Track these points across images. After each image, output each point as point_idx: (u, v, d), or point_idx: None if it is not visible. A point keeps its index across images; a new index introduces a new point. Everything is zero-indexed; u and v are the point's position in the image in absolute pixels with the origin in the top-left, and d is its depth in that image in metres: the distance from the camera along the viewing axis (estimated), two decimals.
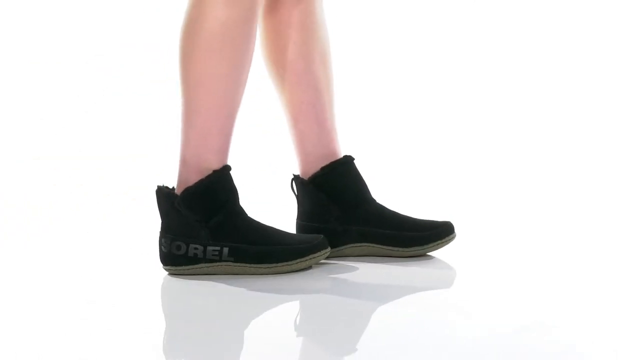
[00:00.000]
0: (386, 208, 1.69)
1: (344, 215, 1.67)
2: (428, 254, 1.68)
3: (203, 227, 1.56)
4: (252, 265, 1.56)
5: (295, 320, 1.35)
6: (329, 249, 1.59)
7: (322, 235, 1.60)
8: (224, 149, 1.58)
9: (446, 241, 1.67)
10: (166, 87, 3.14)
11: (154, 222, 2.14)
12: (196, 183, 1.56)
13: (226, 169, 1.57)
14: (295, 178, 1.69)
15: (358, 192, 1.68)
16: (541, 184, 2.56)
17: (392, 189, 2.21)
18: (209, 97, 1.57)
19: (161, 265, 1.58)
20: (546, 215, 2.15)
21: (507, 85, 3.17)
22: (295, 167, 1.71)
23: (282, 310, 1.42)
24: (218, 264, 1.56)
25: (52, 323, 1.33)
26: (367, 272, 1.59)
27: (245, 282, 1.55)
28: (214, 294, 1.50)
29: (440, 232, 1.67)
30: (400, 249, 1.66)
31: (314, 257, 1.57)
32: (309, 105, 1.67)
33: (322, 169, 1.67)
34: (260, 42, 1.68)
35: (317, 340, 1.27)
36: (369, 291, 1.50)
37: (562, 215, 2.15)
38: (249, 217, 1.58)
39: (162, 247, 1.58)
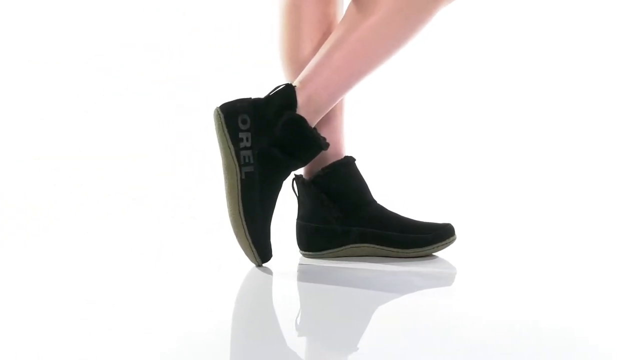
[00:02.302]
0: (387, 209, 1.69)
1: (344, 216, 1.67)
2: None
3: (271, 137, 1.57)
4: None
5: (296, 320, 1.35)
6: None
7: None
8: (335, 98, 1.60)
9: (447, 243, 1.67)
10: (166, 87, 3.15)
11: (154, 222, 2.14)
12: (302, 118, 1.57)
13: (324, 143, 1.59)
14: (297, 178, 1.69)
15: (359, 193, 1.68)
16: (541, 186, 2.56)
17: (393, 190, 2.21)
18: (362, 47, 1.58)
19: (217, 107, 1.59)
20: (547, 216, 2.15)
21: (506, 88, 3.17)
22: None
23: (283, 310, 1.42)
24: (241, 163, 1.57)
25: (52, 323, 1.33)
26: (367, 271, 1.59)
27: (245, 282, 1.55)
28: (214, 293, 1.50)
29: (441, 234, 1.67)
30: (401, 250, 1.66)
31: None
32: None
33: (323, 169, 1.66)
34: (279, 38, 1.69)
35: (319, 340, 1.27)
36: (370, 290, 1.49)
37: (563, 216, 2.14)
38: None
39: (238, 103, 1.59)
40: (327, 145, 1.60)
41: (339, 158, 1.68)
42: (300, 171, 1.70)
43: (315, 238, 1.67)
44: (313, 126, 1.60)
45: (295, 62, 1.66)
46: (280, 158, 1.57)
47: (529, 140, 3.02)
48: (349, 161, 1.68)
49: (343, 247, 1.67)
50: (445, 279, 1.58)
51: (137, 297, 1.48)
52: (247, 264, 1.61)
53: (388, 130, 3.11)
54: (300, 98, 1.58)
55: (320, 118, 1.62)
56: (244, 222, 1.57)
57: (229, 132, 1.58)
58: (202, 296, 1.48)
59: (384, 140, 3.06)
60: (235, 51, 3.18)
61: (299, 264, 1.66)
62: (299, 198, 1.69)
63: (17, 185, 2.61)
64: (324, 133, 1.66)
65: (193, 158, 2.85)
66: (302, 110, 1.58)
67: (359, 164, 1.69)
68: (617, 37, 3.18)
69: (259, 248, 1.58)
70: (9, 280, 1.61)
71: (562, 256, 1.74)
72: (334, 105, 1.62)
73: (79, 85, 3.16)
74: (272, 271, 1.60)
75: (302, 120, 1.57)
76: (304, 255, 1.70)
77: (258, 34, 3.05)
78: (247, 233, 1.57)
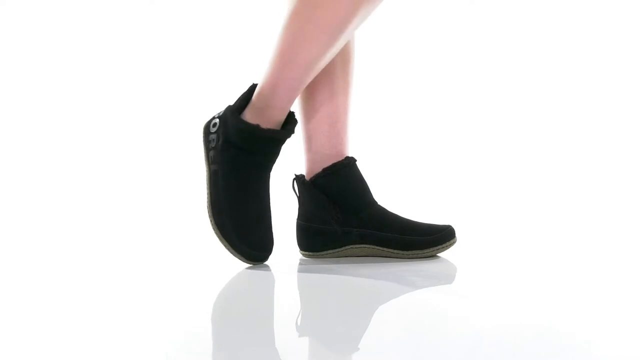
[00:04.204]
0: (387, 210, 1.68)
1: (344, 217, 1.67)
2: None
3: (236, 145, 1.60)
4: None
5: (297, 321, 1.35)
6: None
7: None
8: (292, 95, 1.59)
9: (447, 246, 1.67)
10: (166, 87, 3.15)
11: (153, 222, 2.15)
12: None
13: (268, 131, 1.59)
14: (297, 178, 1.69)
15: (360, 194, 1.68)
16: (541, 187, 2.56)
17: (394, 192, 2.21)
18: (300, 33, 1.55)
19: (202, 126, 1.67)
20: (547, 217, 2.15)
21: (507, 90, 3.17)
22: (297, 167, 1.71)
23: (283, 310, 1.42)
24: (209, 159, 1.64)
25: (53, 323, 1.33)
26: (367, 271, 1.59)
27: (246, 282, 1.55)
28: (214, 293, 1.50)
29: (441, 237, 1.67)
30: (400, 252, 1.66)
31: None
32: (321, 104, 1.67)
33: (324, 170, 1.66)
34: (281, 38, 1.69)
35: (319, 340, 1.27)
36: (370, 290, 1.50)
37: (563, 217, 2.15)
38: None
39: (215, 118, 1.65)
40: (276, 133, 1.59)
41: (340, 159, 1.68)
42: (301, 171, 1.70)
43: (315, 238, 1.67)
44: (280, 119, 1.59)
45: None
46: (235, 154, 1.61)
47: (528, 141, 3.02)
48: (350, 162, 1.68)
49: (343, 248, 1.67)
50: (446, 278, 1.58)
51: (136, 297, 1.48)
52: (247, 264, 1.61)
53: (390, 131, 3.11)
54: (255, 94, 1.61)
55: (281, 112, 1.59)
56: (211, 215, 1.61)
57: (204, 135, 1.66)
58: (202, 296, 1.48)
59: (385, 142, 3.06)
60: (235, 51, 3.18)
61: (299, 264, 1.66)
62: (299, 198, 1.69)
63: (17, 185, 2.61)
64: (326, 135, 1.66)
65: (193, 158, 2.85)
66: (253, 106, 1.61)
67: (360, 165, 1.69)
68: (617, 37, 3.18)
69: (231, 242, 1.60)
70: (9, 280, 1.61)
71: (562, 257, 1.74)
72: (287, 96, 1.58)
73: (79, 85, 3.16)
74: (272, 271, 1.60)
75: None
76: (304, 255, 1.70)
77: (258, 34, 3.05)
78: (215, 226, 1.61)
